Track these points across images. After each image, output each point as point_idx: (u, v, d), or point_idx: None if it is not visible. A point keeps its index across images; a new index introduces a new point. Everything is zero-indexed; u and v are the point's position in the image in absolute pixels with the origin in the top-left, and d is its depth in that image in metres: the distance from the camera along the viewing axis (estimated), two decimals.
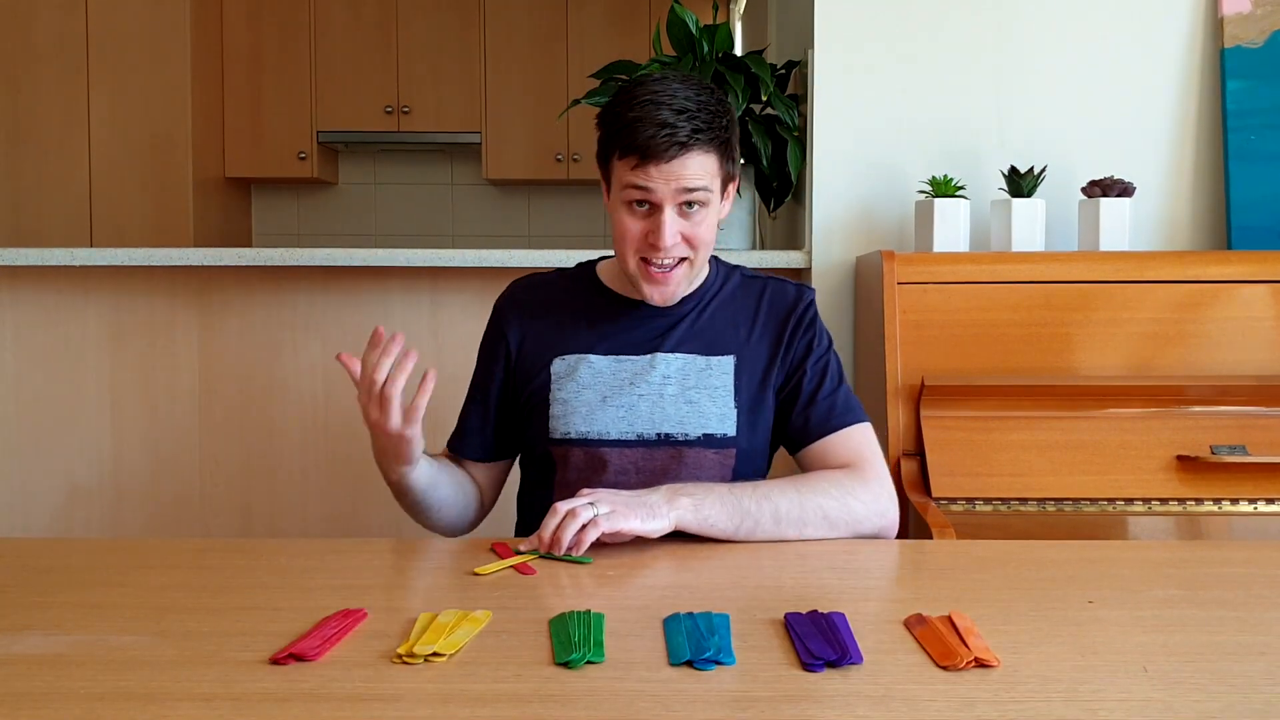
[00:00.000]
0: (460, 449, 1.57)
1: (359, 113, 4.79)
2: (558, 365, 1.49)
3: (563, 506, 1.25)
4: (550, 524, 1.24)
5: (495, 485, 1.60)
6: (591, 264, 1.60)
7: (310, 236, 5.10)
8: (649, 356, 1.48)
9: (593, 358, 1.49)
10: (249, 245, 4.91)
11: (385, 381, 1.27)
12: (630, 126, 1.36)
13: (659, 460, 1.45)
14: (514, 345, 1.53)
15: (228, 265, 2.39)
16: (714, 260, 1.56)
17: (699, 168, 1.37)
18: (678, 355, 1.48)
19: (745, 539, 1.31)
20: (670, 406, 1.46)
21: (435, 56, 4.79)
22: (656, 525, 1.26)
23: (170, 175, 4.27)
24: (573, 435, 1.46)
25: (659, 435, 1.45)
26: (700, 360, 1.49)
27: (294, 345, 2.48)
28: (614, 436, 1.45)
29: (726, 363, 1.49)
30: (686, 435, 1.45)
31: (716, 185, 1.41)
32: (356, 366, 1.29)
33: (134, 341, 2.47)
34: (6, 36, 4.18)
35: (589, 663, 0.91)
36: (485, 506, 1.58)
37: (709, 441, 1.45)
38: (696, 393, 1.47)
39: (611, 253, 1.60)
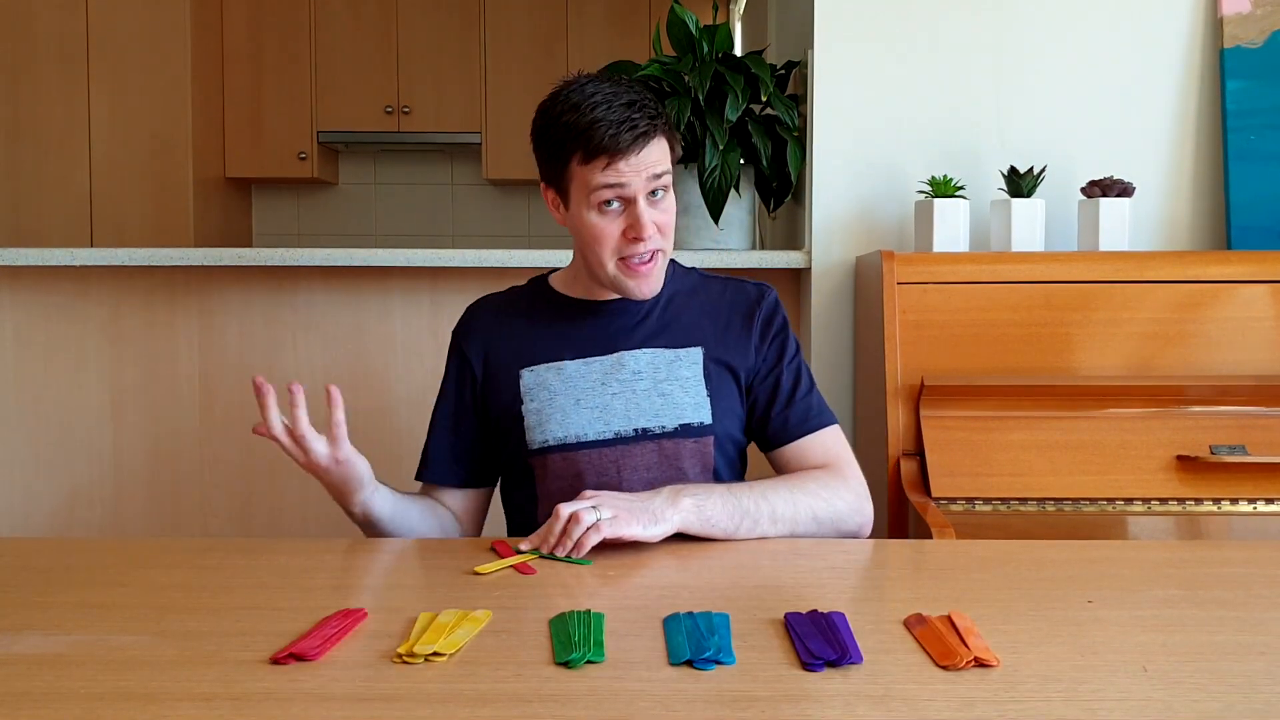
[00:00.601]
0: (427, 476, 1.54)
1: (359, 113, 4.78)
2: (527, 377, 1.48)
3: (565, 510, 1.25)
4: (555, 528, 1.24)
5: (473, 514, 1.55)
6: (543, 277, 1.59)
7: (310, 236, 5.10)
8: (616, 355, 1.48)
9: (561, 364, 1.48)
10: (249, 245, 4.91)
11: (285, 428, 1.28)
12: (589, 130, 1.37)
13: (639, 456, 1.45)
14: (478, 366, 1.52)
15: (228, 265, 2.39)
16: (669, 262, 1.55)
17: (659, 154, 1.41)
18: (645, 350, 1.48)
19: (743, 538, 1.32)
20: (644, 401, 1.46)
21: (435, 56, 4.79)
22: (658, 530, 1.26)
23: (170, 175, 4.27)
24: (550, 442, 1.46)
25: (636, 430, 1.45)
26: (668, 353, 1.48)
27: (294, 345, 2.48)
28: (591, 437, 1.45)
29: (695, 353, 1.49)
30: (664, 427, 1.45)
31: (671, 168, 1.44)
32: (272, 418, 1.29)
33: (134, 341, 2.47)
34: (6, 36, 4.18)
35: (589, 663, 0.91)
36: (466, 534, 1.54)
37: (686, 431, 1.46)
38: (668, 385, 1.47)
39: (559, 266, 1.61)
